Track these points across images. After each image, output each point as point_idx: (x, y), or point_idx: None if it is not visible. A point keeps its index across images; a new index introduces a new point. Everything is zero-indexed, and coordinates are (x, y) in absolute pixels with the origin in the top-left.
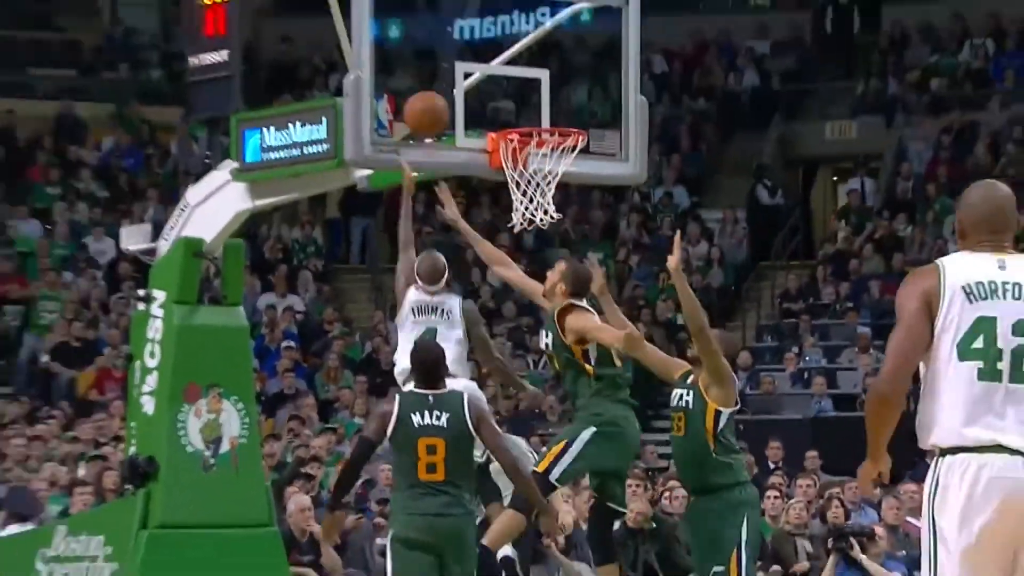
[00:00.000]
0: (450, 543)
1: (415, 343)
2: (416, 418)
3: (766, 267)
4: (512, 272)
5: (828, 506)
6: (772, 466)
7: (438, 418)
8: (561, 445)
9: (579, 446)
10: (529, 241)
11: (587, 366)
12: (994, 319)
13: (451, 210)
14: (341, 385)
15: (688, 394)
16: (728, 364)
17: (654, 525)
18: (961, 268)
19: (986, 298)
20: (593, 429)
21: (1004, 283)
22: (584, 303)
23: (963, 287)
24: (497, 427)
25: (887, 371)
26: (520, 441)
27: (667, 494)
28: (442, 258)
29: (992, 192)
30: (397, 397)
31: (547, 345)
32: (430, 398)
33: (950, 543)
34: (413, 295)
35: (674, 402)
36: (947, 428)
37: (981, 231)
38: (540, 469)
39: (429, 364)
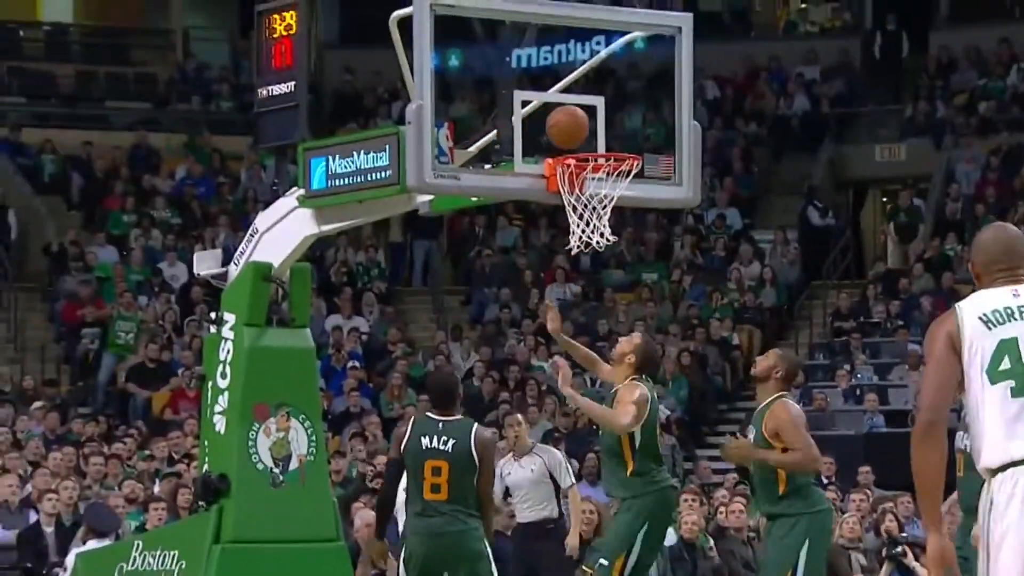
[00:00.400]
0: (455, 556)
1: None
2: (425, 441)
3: (818, 286)
4: (603, 368)
5: (882, 519)
6: (825, 481)
7: (445, 443)
8: (621, 559)
9: (637, 549)
10: (585, 262)
11: (629, 460)
12: (1015, 339)
13: (553, 324)
14: (405, 403)
15: (752, 432)
16: (804, 444)
17: (710, 540)
18: (976, 303)
19: (1003, 323)
20: (645, 528)
21: (1020, 307)
22: (643, 380)
23: (979, 317)
24: (493, 469)
25: (925, 401)
26: (558, 455)
27: (723, 509)
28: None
29: (1002, 233)
30: (411, 420)
31: (601, 429)
32: (440, 424)
33: (1005, 558)
34: None
35: (749, 434)
36: (992, 448)
37: (993, 270)
38: None
39: (442, 390)
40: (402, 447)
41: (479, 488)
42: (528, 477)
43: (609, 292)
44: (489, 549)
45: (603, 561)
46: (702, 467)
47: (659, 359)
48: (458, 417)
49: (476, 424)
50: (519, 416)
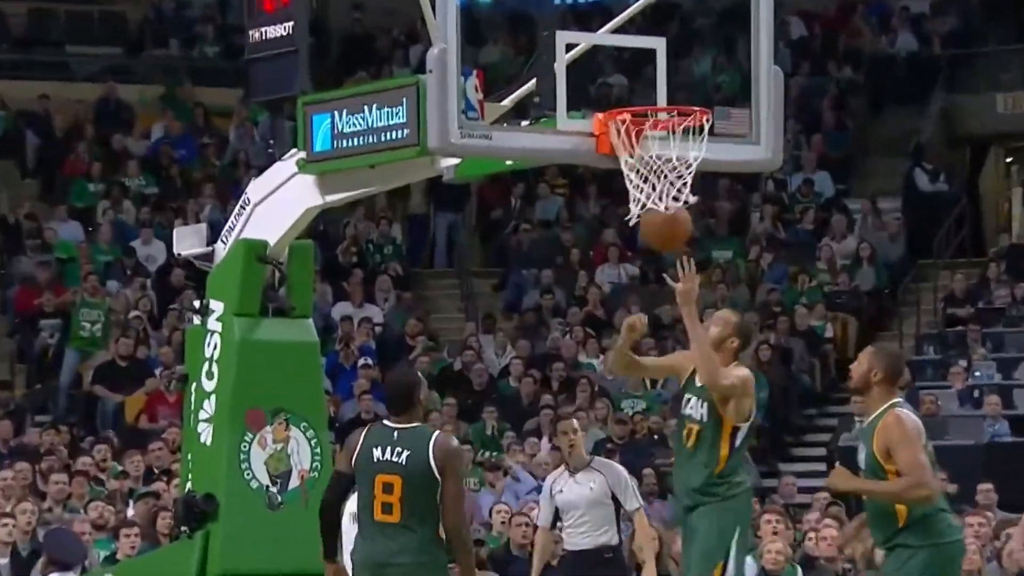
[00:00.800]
0: None
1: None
2: (376, 452)
3: (927, 266)
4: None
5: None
6: None
7: (399, 454)
8: (719, 570)
9: (733, 559)
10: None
11: (723, 457)
12: None
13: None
14: (427, 408)
15: (863, 452)
16: (914, 465)
17: (798, 571)
18: None
19: None
20: (738, 530)
21: None
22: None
23: None
24: (461, 486)
25: None
26: (623, 472)
27: (812, 535)
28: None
29: None
30: (366, 428)
31: (701, 417)
32: (395, 433)
33: None
34: None
35: (859, 453)
36: None
37: None
38: None
39: (396, 391)
40: (353, 459)
41: (444, 511)
42: (586, 496)
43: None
44: None
45: None
46: (786, 484)
47: (753, 331)
48: (416, 424)
49: (438, 432)
50: (574, 422)
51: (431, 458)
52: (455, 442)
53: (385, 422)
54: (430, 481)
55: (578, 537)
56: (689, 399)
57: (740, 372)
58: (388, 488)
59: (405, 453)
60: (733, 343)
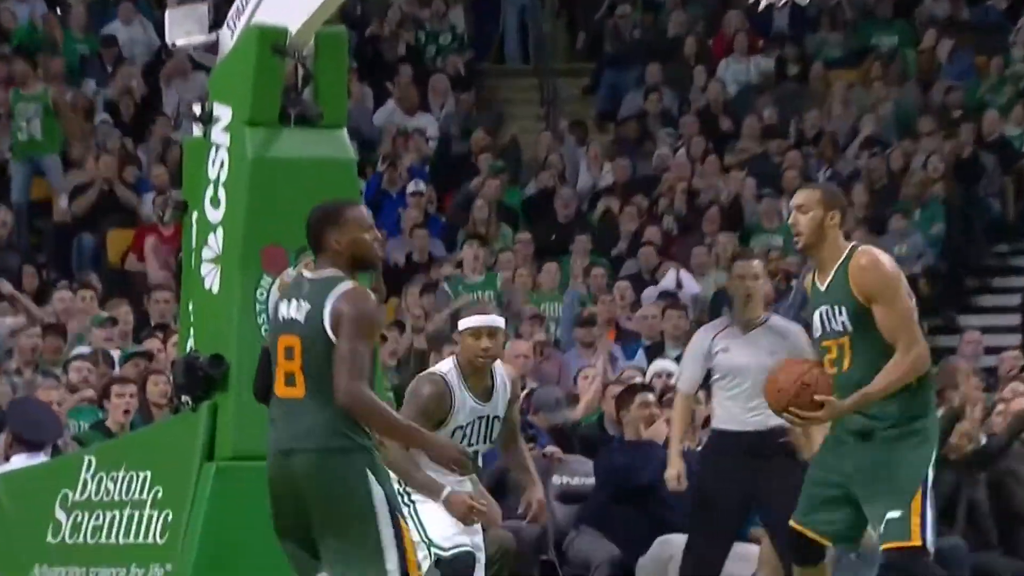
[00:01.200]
0: (307, 492)
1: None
2: (282, 308)
3: None
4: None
5: None
6: None
7: (299, 310)
8: (918, 500)
9: (931, 481)
10: (780, 22)
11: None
12: None
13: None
14: (497, 247)
15: None
16: None
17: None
18: None
19: None
20: (933, 454)
21: None
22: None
23: None
24: (357, 346)
25: None
26: (802, 334)
27: (1001, 406)
28: None
29: None
30: None
31: (844, 326)
32: (305, 284)
33: None
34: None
35: None
36: None
37: None
38: (916, 542)
39: (306, 230)
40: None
41: (336, 394)
42: (762, 363)
43: (819, 67)
44: (379, 487)
45: (892, 514)
46: (968, 343)
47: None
48: (329, 273)
49: (349, 284)
50: (756, 264)
51: (326, 313)
52: (365, 298)
53: (303, 270)
54: (327, 345)
55: (745, 414)
56: (822, 312)
57: (887, 268)
58: (289, 353)
59: (305, 308)
60: (833, 218)
